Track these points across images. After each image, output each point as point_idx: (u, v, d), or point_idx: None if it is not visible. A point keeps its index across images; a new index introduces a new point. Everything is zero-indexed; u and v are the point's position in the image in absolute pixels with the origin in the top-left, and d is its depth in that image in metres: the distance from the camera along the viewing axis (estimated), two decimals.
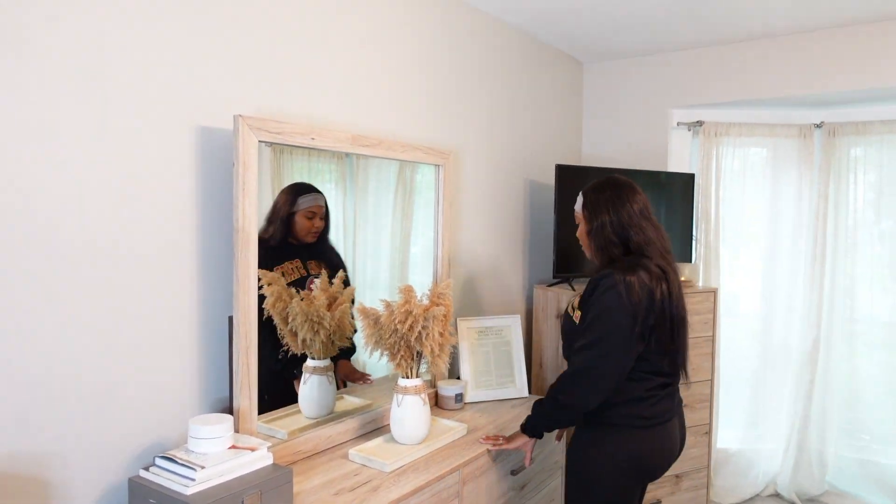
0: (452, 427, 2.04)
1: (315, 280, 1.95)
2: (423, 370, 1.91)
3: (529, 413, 1.87)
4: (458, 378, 2.39)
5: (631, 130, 3.48)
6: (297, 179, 1.87)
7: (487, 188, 2.80)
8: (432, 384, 2.34)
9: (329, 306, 2.05)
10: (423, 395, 1.88)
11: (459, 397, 2.29)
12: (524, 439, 1.89)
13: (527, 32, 3.04)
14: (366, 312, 1.81)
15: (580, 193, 1.87)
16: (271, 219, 1.78)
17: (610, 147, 3.54)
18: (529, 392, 2.96)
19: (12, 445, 1.31)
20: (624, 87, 3.50)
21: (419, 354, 1.85)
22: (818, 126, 3.25)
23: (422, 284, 2.30)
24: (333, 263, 2.04)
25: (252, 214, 1.63)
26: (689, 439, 3.00)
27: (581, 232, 1.86)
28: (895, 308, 3.16)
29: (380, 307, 1.90)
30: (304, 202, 1.92)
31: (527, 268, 3.12)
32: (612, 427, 1.73)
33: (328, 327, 1.98)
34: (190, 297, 1.62)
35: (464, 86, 2.63)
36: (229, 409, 1.68)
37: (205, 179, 1.65)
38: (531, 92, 3.12)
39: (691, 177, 3.24)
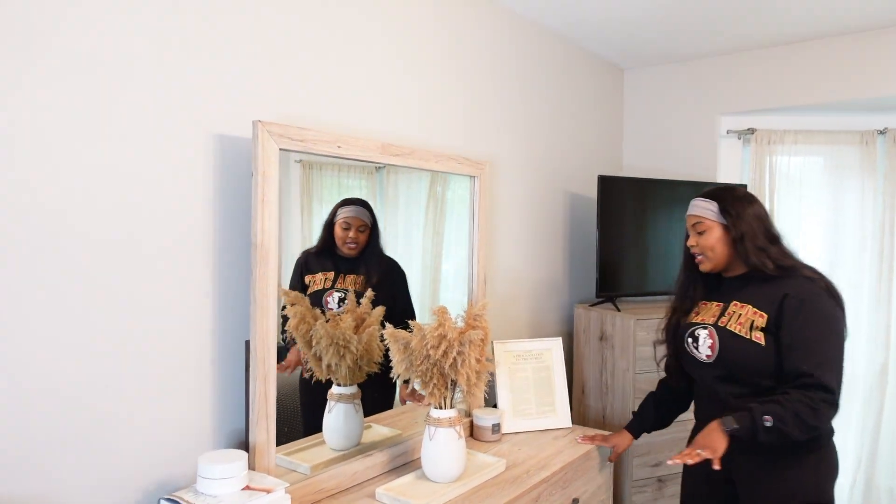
0: (490, 462, 1.86)
1: (333, 293, 1.82)
2: (458, 399, 1.74)
3: (738, 418, 1.52)
4: (495, 406, 2.21)
5: (676, 139, 3.28)
6: (326, 195, 1.81)
7: (525, 201, 2.63)
8: (467, 413, 2.16)
9: (356, 328, 1.90)
10: (457, 428, 1.70)
11: (497, 427, 2.10)
12: (725, 444, 1.53)
13: (565, 37, 2.88)
14: (396, 336, 1.65)
15: (708, 199, 1.73)
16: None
17: (653, 157, 3.34)
18: (572, 422, 2.76)
19: (1, 486, 1.18)
20: (668, 93, 3.31)
21: (454, 383, 1.67)
22: (882, 132, 3.00)
23: (454, 303, 2.14)
24: (376, 280, 1.91)
25: (272, 229, 1.49)
26: None
27: (714, 239, 1.71)
28: None
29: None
30: (342, 212, 1.83)
31: (567, 286, 2.93)
32: (829, 439, 1.66)
33: (355, 351, 1.83)
34: (204, 319, 1.48)
35: (499, 93, 2.47)
36: (245, 443, 1.53)
37: (223, 191, 1.52)
38: (570, 100, 2.95)
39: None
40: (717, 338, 1.68)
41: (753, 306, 1.64)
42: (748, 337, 1.62)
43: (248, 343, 1.49)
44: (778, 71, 2.99)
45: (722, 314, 1.70)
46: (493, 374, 2.24)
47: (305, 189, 1.70)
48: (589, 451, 2.07)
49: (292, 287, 1.76)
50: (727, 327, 1.67)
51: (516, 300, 2.59)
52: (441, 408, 1.70)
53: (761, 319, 1.61)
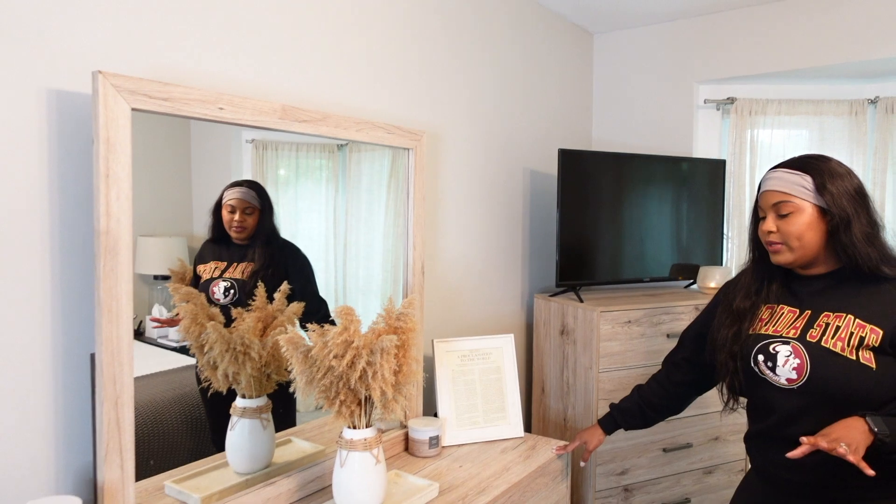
0: (420, 487, 1.57)
1: (220, 283, 1.56)
2: (378, 415, 1.44)
3: (890, 423, 1.21)
4: (436, 415, 1.92)
5: (649, 110, 2.98)
6: (283, 177, 1.66)
7: (476, 178, 2.33)
8: (402, 424, 1.87)
9: (263, 330, 1.61)
10: (375, 451, 1.41)
11: (435, 440, 1.81)
12: (866, 445, 1.20)
13: None
14: (295, 343, 1.35)
15: (797, 171, 1.35)
16: None
17: (625, 130, 3.05)
18: (528, 430, 2.50)
19: None
20: (641, 60, 3.00)
21: (368, 398, 1.38)
22: (872, 102, 2.73)
23: None
24: (260, 266, 1.65)
25: (124, 212, 1.17)
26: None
27: (804, 225, 1.33)
28: None
29: (372, 315, 1.49)
30: (227, 194, 1.60)
31: (527, 274, 2.64)
32: None
33: (257, 358, 1.53)
34: (41, 327, 1.17)
35: (447, 54, 2.15)
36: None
37: (64, 164, 1.19)
38: (533, 66, 2.63)
39: (721, 163, 2.74)
40: (806, 357, 1.30)
41: (858, 317, 1.29)
42: (853, 357, 1.26)
43: (93, 357, 1.18)
44: (759, 33, 2.69)
45: (809, 325, 1.33)
46: (432, 379, 1.95)
47: (259, 172, 1.55)
48: (545, 465, 1.80)
49: (192, 283, 1.51)
50: (822, 343, 1.29)
51: (465, 291, 2.29)
52: (354, 427, 1.40)
53: (874, 336, 1.26)
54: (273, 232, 1.71)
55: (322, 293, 1.79)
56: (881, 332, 1.25)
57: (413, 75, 2.01)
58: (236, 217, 1.58)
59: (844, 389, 1.26)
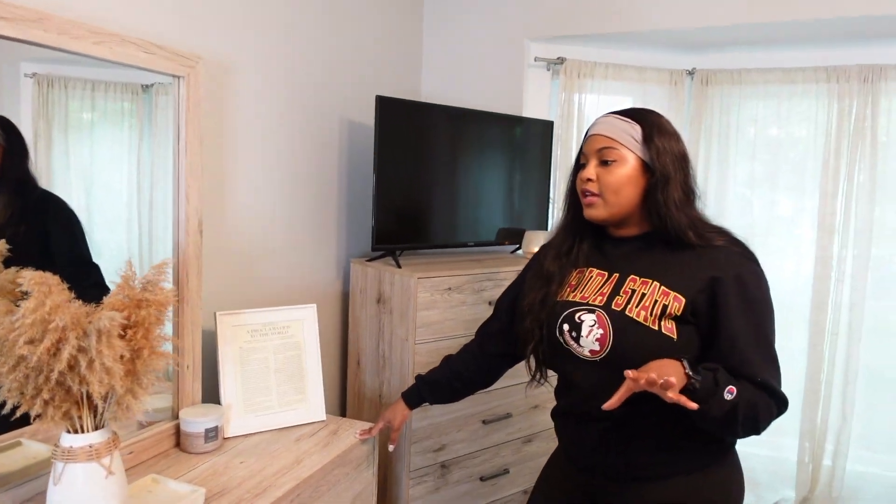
0: (180, 496, 1.27)
1: None
2: (112, 413, 1.12)
3: (700, 370, 1.09)
4: (220, 403, 1.62)
5: (482, 65, 2.81)
6: (75, 120, 1.41)
7: (279, 124, 2.00)
8: (174, 414, 1.55)
9: None
10: (106, 460, 1.09)
11: (213, 433, 1.52)
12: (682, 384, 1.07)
13: None
14: None
15: (628, 118, 1.25)
16: None
17: (456, 84, 2.85)
18: (343, 410, 2.28)
19: None
20: (474, 9, 2.81)
21: (89, 394, 1.05)
22: (690, 73, 2.79)
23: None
24: (25, 228, 1.32)
25: None
26: None
27: (625, 177, 1.23)
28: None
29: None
30: None
31: (344, 237, 2.37)
32: (734, 450, 1.32)
33: None
34: None
35: None
36: None
37: None
38: (355, 4, 2.33)
39: (549, 125, 2.66)
40: (609, 327, 1.21)
41: (663, 284, 1.21)
42: (655, 328, 1.18)
43: None
44: None
45: (616, 292, 1.25)
46: (214, 359, 1.64)
47: (42, 112, 1.32)
48: (345, 452, 1.58)
49: None
50: (626, 312, 1.21)
51: (265, 256, 1.98)
52: (77, 431, 1.07)
53: (677, 304, 1.18)
54: (27, 179, 1.35)
55: (124, 256, 1.45)
56: (683, 301, 1.19)
57: None
58: None
59: (645, 361, 1.15)
